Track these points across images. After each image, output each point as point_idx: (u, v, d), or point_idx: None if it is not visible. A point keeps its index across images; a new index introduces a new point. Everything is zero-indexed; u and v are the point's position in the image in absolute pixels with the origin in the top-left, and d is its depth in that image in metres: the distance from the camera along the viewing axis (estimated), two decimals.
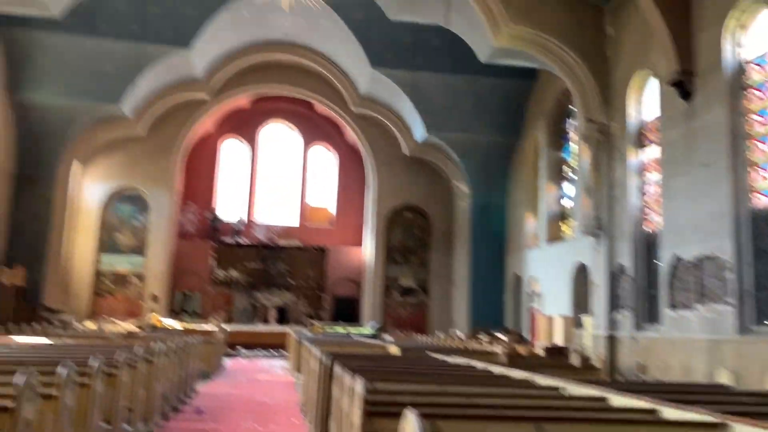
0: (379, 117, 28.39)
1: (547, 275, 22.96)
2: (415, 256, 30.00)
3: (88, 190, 27.50)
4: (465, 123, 26.15)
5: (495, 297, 26.65)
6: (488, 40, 18.75)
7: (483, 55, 20.40)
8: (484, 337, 23.60)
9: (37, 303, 23.71)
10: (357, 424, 3.66)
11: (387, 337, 24.74)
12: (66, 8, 19.27)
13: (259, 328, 27.00)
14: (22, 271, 23.02)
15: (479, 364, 8.18)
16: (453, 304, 29.10)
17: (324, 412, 7.23)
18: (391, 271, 29.66)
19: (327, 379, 6.94)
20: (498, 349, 17.22)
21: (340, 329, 25.11)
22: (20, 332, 13.34)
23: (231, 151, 32.22)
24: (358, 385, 3.88)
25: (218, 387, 12.24)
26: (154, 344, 8.27)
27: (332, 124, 31.82)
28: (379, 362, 8.88)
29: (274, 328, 26.97)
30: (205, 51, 25.18)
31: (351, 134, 30.62)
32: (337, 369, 5.84)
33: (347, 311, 30.19)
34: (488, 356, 12.88)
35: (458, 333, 25.95)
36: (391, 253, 29.78)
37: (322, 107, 30.32)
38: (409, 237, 30.09)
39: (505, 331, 25.05)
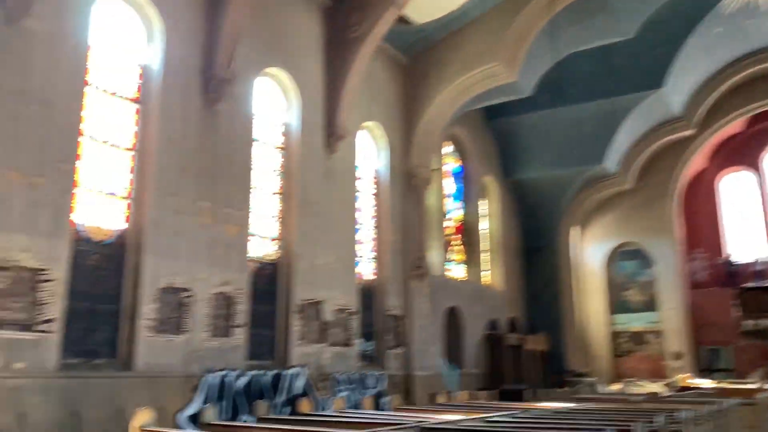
0: None
1: None
2: None
3: (589, 251, 27.98)
4: None
5: None
6: None
7: None
8: None
9: (561, 367, 24.71)
10: None
11: None
12: (536, 85, 20.56)
13: None
14: (544, 337, 24.44)
15: None
16: None
17: None
18: None
19: None
20: None
21: None
22: (548, 396, 13.72)
23: (732, 184, 28.47)
24: None
25: None
26: (680, 409, 7.11)
27: None
28: None
29: None
30: (679, 85, 23.34)
31: None
32: None
33: None
34: None
35: None
36: None
37: None
38: None
39: None
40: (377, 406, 13.30)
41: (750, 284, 26.06)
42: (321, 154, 15.92)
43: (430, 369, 18.90)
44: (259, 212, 13.97)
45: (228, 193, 12.88)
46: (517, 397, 18.00)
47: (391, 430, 6.78)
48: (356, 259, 16.87)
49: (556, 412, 8.81)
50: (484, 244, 24.56)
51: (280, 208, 14.80)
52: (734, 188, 28.32)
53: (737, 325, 25.63)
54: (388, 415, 9.50)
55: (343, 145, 16.45)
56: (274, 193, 14.66)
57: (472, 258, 23.53)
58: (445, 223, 22.45)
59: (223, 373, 11.32)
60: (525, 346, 23.17)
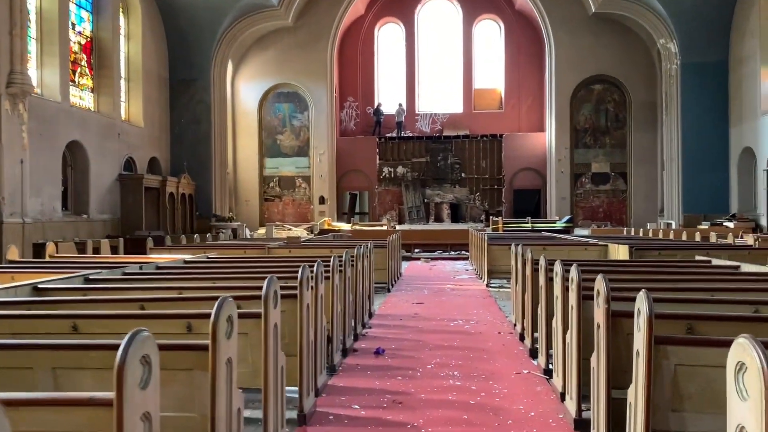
0: None
1: None
2: (609, 137, 25.48)
3: (243, 90, 26.05)
4: None
5: (716, 179, 21.71)
6: None
7: None
8: (706, 226, 19.19)
9: (208, 212, 23.15)
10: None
11: (582, 231, 21.16)
12: None
13: (434, 226, 24.62)
14: (190, 180, 22.30)
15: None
16: (659, 190, 24.51)
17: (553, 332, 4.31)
18: (580, 156, 25.52)
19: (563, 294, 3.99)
20: (750, 240, 13.10)
21: (525, 225, 21.89)
22: (180, 246, 11.78)
23: (388, 36, 28.97)
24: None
25: (400, 305, 9.76)
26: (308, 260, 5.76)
27: None
28: (625, 273, 5.74)
29: (450, 226, 24.45)
30: None
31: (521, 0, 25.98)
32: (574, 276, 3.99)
33: (529, 205, 26.78)
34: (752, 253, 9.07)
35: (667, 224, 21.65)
36: (579, 135, 25.52)
37: None
38: (601, 115, 25.51)
39: (733, 219, 20.35)
40: None
41: (391, 135, 27.46)
42: None
43: (37, 215, 15.34)
44: None
45: None
46: (158, 243, 15.73)
47: None
48: None
49: (157, 268, 6.86)
50: (122, 70, 20.67)
51: None
52: (388, 39, 28.89)
53: (378, 172, 27.06)
54: None
55: None
56: None
57: (104, 85, 19.55)
58: (72, 38, 17.94)
59: None
60: (167, 189, 20.80)
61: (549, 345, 5.29)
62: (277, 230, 22.07)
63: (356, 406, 4.50)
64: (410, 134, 27.59)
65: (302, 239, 13.05)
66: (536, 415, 4.30)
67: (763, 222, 19.70)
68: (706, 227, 19.21)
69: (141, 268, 6.65)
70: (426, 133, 27.80)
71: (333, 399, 4.69)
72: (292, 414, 4.17)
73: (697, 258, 7.57)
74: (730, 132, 21.69)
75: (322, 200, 25.82)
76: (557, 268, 4.85)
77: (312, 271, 4.61)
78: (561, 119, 25.20)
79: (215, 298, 2.86)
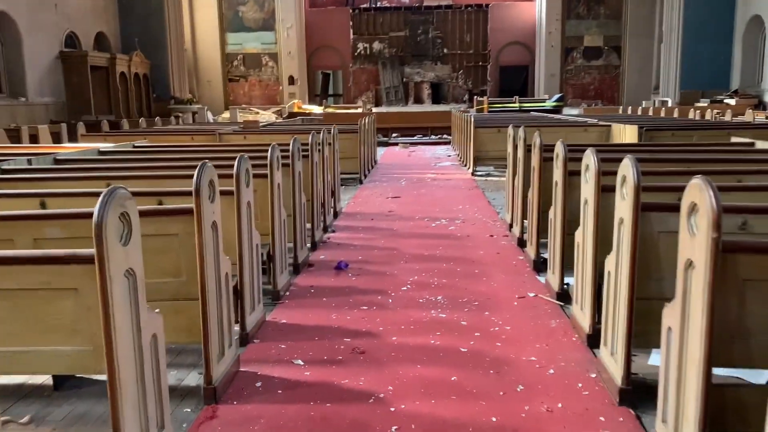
0: None
1: None
2: (604, 7, 23.28)
3: None
4: None
5: (717, 52, 19.95)
6: None
7: None
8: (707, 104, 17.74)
9: (166, 94, 21.09)
10: None
11: (572, 110, 19.64)
12: None
13: (413, 108, 22.87)
14: (143, 58, 20.04)
15: None
16: (653, 65, 22.75)
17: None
18: (572, 28, 23.42)
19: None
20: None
21: (513, 105, 20.23)
22: (120, 131, 10.08)
23: None
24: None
25: (373, 200, 8.36)
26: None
27: None
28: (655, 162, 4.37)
29: (431, 108, 22.72)
30: None
31: None
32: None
33: (517, 83, 24.95)
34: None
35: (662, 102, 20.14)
36: (572, 4, 23.28)
37: None
38: None
39: (735, 95, 18.87)
40: None
41: (366, 6, 24.95)
42: None
43: None
44: None
45: None
46: (113, 128, 13.91)
47: None
48: None
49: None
50: None
51: None
52: None
53: (352, 49, 24.82)
54: None
55: None
56: None
57: None
58: None
59: None
60: (118, 68, 18.62)
61: (566, 267, 3.96)
62: (242, 114, 20.24)
63: (299, 362, 3.18)
64: (387, 5, 25.09)
65: (261, 124, 11.39)
66: (558, 372, 3.02)
67: (767, 98, 18.26)
68: (705, 104, 17.78)
69: (30, 162, 5.10)
70: (404, 3, 25.32)
71: (268, 348, 3.36)
72: (199, 379, 2.86)
73: (734, 140, 6.16)
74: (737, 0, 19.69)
75: (291, 80, 23.74)
76: (561, 151, 3.44)
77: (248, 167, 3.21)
78: None
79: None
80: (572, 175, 3.75)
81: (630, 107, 17.67)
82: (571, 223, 3.71)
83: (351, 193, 8.71)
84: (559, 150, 3.90)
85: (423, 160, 13.89)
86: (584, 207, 3.35)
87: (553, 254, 4.14)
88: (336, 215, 6.93)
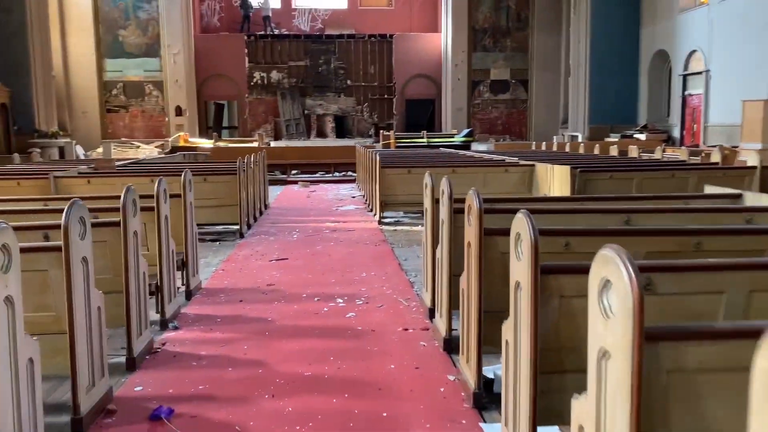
0: None
1: (723, 44, 15.61)
2: (510, 39, 22.73)
3: None
4: None
5: (624, 86, 19.68)
6: None
7: None
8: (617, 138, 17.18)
9: (29, 126, 18.31)
10: None
11: (481, 146, 18.62)
12: None
13: (316, 142, 21.20)
14: (3, 86, 17.28)
15: None
16: (561, 99, 22.33)
17: None
18: (479, 61, 22.69)
19: None
20: (683, 155, 10.80)
21: (420, 140, 18.96)
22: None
23: None
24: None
25: (250, 266, 6.47)
26: None
27: None
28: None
29: (335, 142, 21.14)
30: None
31: None
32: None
33: (424, 117, 23.87)
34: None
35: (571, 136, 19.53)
36: (478, 36, 22.57)
37: None
38: (502, 13, 22.59)
39: (644, 131, 18.51)
40: None
41: (262, 33, 23.23)
42: None
43: None
44: None
45: None
46: None
47: None
48: None
49: None
50: None
51: None
52: None
53: (248, 78, 22.95)
54: None
55: None
56: None
57: None
58: None
59: None
60: None
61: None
62: (121, 149, 17.86)
63: None
64: (286, 32, 23.48)
65: (117, 164, 9.29)
66: None
67: (675, 133, 17.97)
68: (616, 140, 17.24)
69: None
70: (304, 31, 23.81)
71: None
72: None
73: (709, 190, 4.80)
74: (641, 33, 19.54)
75: (179, 111, 21.49)
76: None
77: None
78: (458, 18, 22.08)
79: None
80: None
81: (536, 143, 16.79)
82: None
83: (223, 255, 6.80)
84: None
85: (324, 202, 12.16)
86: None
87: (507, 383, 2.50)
88: (189, 296, 5.00)
